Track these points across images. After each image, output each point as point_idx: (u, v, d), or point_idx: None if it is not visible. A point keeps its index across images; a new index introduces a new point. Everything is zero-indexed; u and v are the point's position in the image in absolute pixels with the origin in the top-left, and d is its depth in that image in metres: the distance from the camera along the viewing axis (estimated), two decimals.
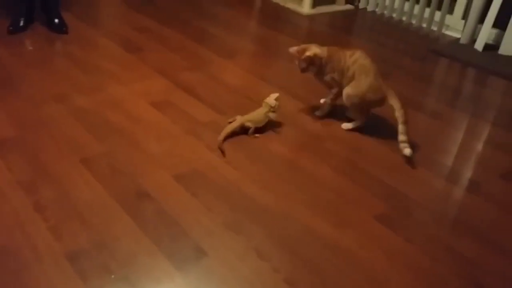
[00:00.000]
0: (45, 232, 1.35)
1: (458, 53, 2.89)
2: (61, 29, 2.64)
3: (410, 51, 2.92)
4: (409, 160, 1.82)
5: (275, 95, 1.96)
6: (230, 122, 1.90)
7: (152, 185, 1.57)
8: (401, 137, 1.84)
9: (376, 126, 2.04)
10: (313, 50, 1.95)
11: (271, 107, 1.93)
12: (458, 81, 2.60)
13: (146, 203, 1.49)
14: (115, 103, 2.02)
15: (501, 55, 2.90)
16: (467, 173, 1.80)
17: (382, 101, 1.92)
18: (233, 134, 1.87)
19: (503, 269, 1.38)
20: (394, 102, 1.89)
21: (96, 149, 1.72)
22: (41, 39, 2.57)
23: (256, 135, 1.91)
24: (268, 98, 1.95)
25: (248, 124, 1.89)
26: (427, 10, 3.31)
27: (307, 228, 1.46)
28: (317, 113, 2.10)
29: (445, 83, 2.57)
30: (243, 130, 1.89)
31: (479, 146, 1.99)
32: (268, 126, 1.94)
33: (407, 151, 1.80)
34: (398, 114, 1.85)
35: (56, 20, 2.65)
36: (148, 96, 2.11)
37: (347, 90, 1.93)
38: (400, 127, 1.84)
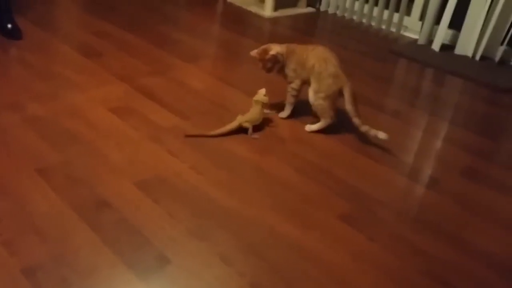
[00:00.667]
0: None
1: (416, 53, 2.96)
2: (15, 34, 2.55)
3: (370, 52, 2.97)
4: (375, 157, 1.85)
5: (263, 90, 1.99)
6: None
7: (112, 193, 1.53)
8: (364, 127, 1.90)
9: (338, 128, 2.05)
10: (275, 48, 1.99)
11: (263, 103, 1.96)
12: (417, 81, 2.66)
13: (106, 212, 1.45)
14: (73, 111, 1.97)
15: (457, 55, 2.99)
16: (427, 171, 1.84)
17: (342, 91, 1.94)
18: (229, 134, 1.90)
19: (467, 265, 1.41)
20: (347, 95, 1.93)
21: (53, 159, 1.66)
22: None
23: (255, 136, 1.92)
24: (257, 96, 1.97)
25: (246, 124, 1.91)
26: (386, 12, 3.38)
27: (271, 231, 1.45)
28: (281, 115, 2.11)
29: (405, 83, 2.62)
30: (241, 130, 1.92)
31: (438, 144, 2.03)
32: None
33: (381, 134, 1.86)
34: (349, 107, 1.91)
35: (9, 26, 2.56)
36: (107, 102, 2.06)
37: (312, 87, 1.97)
38: (356, 120, 1.91)
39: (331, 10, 3.66)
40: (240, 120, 1.92)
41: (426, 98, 2.45)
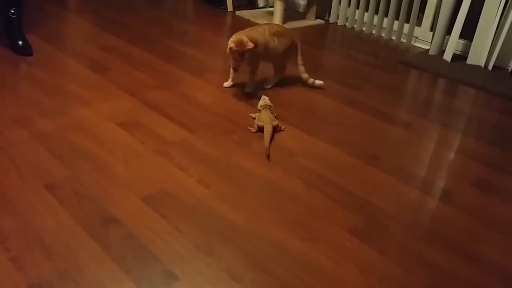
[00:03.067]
0: (6, 263, 1.28)
1: (428, 64, 2.93)
2: (25, 51, 2.58)
3: (381, 64, 2.95)
4: (385, 169, 1.81)
5: (265, 97, 2.14)
6: (258, 110, 2.10)
7: (119, 209, 1.52)
8: (305, 75, 2.45)
9: (345, 140, 2.03)
10: (248, 41, 2.17)
11: (270, 105, 2.09)
12: (428, 92, 2.62)
13: (113, 228, 1.44)
14: (81, 126, 1.97)
15: (469, 65, 2.95)
16: (439, 183, 1.80)
17: (294, 46, 2.39)
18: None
19: (479, 279, 1.37)
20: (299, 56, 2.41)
21: (60, 174, 1.66)
22: (3, 62, 2.50)
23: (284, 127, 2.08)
24: (262, 101, 2.11)
25: (275, 123, 2.02)
26: (396, 23, 3.36)
27: (279, 246, 1.42)
28: (247, 89, 2.38)
29: (416, 94, 2.59)
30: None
31: (450, 155, 1.99)
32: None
33: (318, 82, 2.44)
34: (299, 57, 2.41)
35: (20, 42, 2.59)
36: (115, 116, 2.06)
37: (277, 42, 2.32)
38: (301, 68, 2.43)
39: (340, 22, 3.66)
40: (270, 123, 1.99)
41: (438, 109, 2.42)
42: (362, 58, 3.03)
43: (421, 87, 2.68)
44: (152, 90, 2.34)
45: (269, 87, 2.45)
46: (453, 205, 1.68)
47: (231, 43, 2.17)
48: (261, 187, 1.69)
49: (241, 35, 2.19)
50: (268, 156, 1.86)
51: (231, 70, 2.39)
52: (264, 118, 2.00)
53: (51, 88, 2.26)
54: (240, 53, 2.17)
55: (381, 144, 2.03)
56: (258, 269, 1.33)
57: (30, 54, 2.58)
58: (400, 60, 3.00)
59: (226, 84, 2.43)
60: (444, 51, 3.03)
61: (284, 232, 1.48)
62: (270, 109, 2.07)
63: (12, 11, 2.57)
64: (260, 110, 2.08)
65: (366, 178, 1.78)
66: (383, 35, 3.44)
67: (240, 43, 2.15)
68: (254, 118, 2.08)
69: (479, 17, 2.86)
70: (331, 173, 1.80)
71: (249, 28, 2.33)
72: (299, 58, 2.43)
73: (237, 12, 3.74)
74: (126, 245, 1.38)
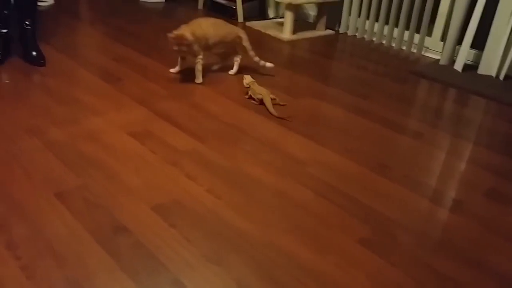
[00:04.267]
0: (16, 271, 1.29)
1: (438, 74, 2.92)
2: (39, 61, 2.62)
3: (391, 73, 2.95)
4: (395, 179, 1.80)
5: (246, 76, 2.47)
6: (247, 88, 2.43)
7: (129, 217, 1.53)
8: (256, 58, 2.69)
9: (355, 150, 2.02)
10: (187, 34, 2.43)
11: (254, 81, 2.44)
12: (439, 102, 2.61)
13: (122, 236, 1.45)
14: (92, 135, 1.99)
15: (480, 75, 2.93)
16: (450, 193, 1.78)
17: (234, 35, 2.66)
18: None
19: None
20: (244, 39, 2.66)
21: (71, 183, 1.67)
22: (18, 72, 2.55)
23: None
24: (246, 80, 2.44)
25: (272, 96, 2.36)
26: (406, 33, 3.36)
27: (289, 256, 1.42)
28: (172, 70, 2.67)
29: (426, 103, 2.58)
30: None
31: (461, 165, 1.98)
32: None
33: (269, 64, 2.69)
34: (246, 44, 2.66)
35: (34, 53, 2.63)
36: (126, 126, 2.08)
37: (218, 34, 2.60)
38: (251, 53, 2.67)
39: (350, 32, 3.67)
40: (267, 94, 2.32)
41: (449, 119, 2.40)
42: (372, 68, 3.03)
43: (432, 97, 2.67)
44: (163, 100, 2.36)
45: (216, 68, 2.79)
46: (464, 215, 1.66)
47: (170, 38, 2.43)
48: (270, 196, 1.69)
49: (182, 31, 2.45)
50: (282, 118, 2.22)
51: (179, 58, 2.66)
52: (260, 91, 2.34)
53: (64, 98, 2.29)
54: (179, 45, 2.44)
55: (391, 153, 2.02)
56: (267, 278, 1.33)
57: (44, 65, 2.62)
58: (411, 70, 2.99)
59: (172, 70, 2.68)
60: (455, 61, 3.02)
61: (293, 241, 1.48)
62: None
63: (27, 23, 2.62)
64: (249, 87, 2.41)
65: (376, 188, 1.78)
66: (393, 45, 3.44)
67: (179, 38, 2.42)
68: (249, 97, 2.41)
69: (490, 27, 2.85)
70: (341, 182, 1.79)
71: (189, 23, 2.56)
72: (247, 44, 2.67)
73: (248, 23, 3.76)
74: (135, 254, 1.38)
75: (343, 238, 1.51)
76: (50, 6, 3.85)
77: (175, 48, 2.45)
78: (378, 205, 1.67)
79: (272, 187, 1.74)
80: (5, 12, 2.56)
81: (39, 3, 3.22)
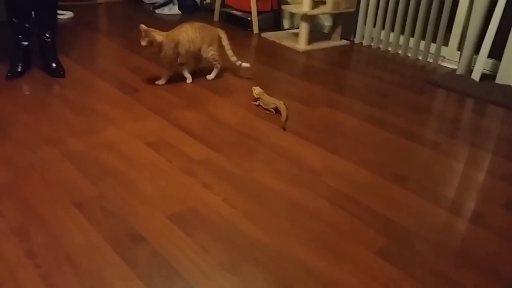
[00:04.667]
0: (36, 280, 1.31)
1: (455, 83, 2.90)
2: (59, 73, 2.67)
3: (407, 83, 2.93)
4: (412, 189, 1.78)
5: (254, 87, 2.50)
6: (257, 99, 2.47)
7: (146, 226, 1.54)
8: (233, 58, 2.74)
9: (370, 159, 2.01)
10: (157, 37, 2.49)
11: (261, 91, 2.47)
12: (456, 112, 2.59)
13: (139, 245, 1.46)
14: (110, 145, 2.01)
15: (498, 84, 2.90)
16: (469, 204, 1.76)
17: (216, 36, 2.71)
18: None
19: None
20: (225, 41, 2.73)
21: (89, 192, 1.69)
22: (38, 84, 2.60)
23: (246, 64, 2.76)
24: (256, 91, 2.47)
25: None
26: (422, 43, 3.35)
27: (305, 266, 1.41)
28: (159, 82, 2.67)
29: (443, 113, 2.55)
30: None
31: (480, 176, 1.95)
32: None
33: (245, 64, 2.75)
34: (225, 43, 2.72)
35: (54, 65, 2.68)
36: (143, 136, 2.10)
37: (202, 49, 2.67)
38: (229, 52, 2.73)
39: (365, 42, 3.66)
40: (282, 102, 2.35)
41: (467, 129, 2.38)
42: (387, 77, 3.02)
43: (449, 107, 2.65)
44: (179, 109, 2.38)
45: (211, 77, 2.80)
46: (483, 226, 1.63)
47: (141, 29, 2.47)
48: (286, 206, 1.68)
49: (154, 32, 2.50)
50: (284, 128, 2.24)
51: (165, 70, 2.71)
52: (273, 100, 2.38)
53: (82, 108, 2.33)
54: (151, 47, 2.49)
55: (407, 163, 2.01)
56: None
57: (63, 76, 2.67)
58: (427, 79, 2.97)
59: (158, 82, 2.69)
60: (472, 70, 2.99)
61: (309, 251, 1.47)
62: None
63: (47, 35, 2.68)
64: (259, 98, 2.44)
65: (393, 198, 1.76)
66: (409, 55, 3.42)
67: (147, 33, 2.47)
68: (258, 105, 2.46)
69: (508, 36, 2.82)
70: (357, 192, 1.78)
71: (174, 29, 2.63)
72: (226, 43, 2.72)
73: (263, 34, 3.79)
74: (151, 263, 1.39)
75: (360, 249, 1.49)
76: (69, 19, 3.93)
77: (143, 43, 2.46)
78: (395, 216, 1.66)
79: (287, 196, 1.74)
80: (26, 25, 2.62)
81: (59, 16, 3.28)
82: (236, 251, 1.46)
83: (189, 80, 2.72)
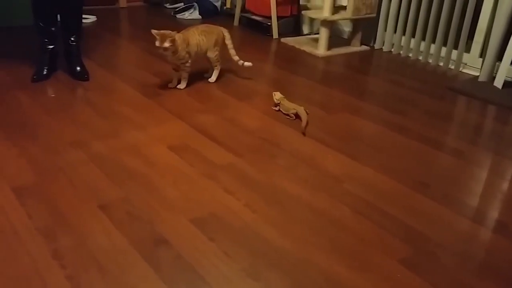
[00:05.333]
0: (63, 281, 1.34)
1: (477, 90, 2.87)
2: (83, 76, 2.72)
3: (428, 90, 2.91)
4: (435, 198, 1.77)
5: (275, 92, 2.51)
6: (277, 105, 2.48)
7: (169, 230, 1.56)
8: (235, 57, 2.79)
9: (392, 166, 2.01)
10: (176, 37, 2.52)
11: (283, 97, 2.48)
12: (479, 119, 2.56)
13: (163, 249, 1.47)
14: (133, 148, 2.04)
15: None
16: (493, 213, 1.74)
17: (221, 36, 2.76)
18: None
19: None
20: (229, 42, 2.78)
21: (114, 195, 1.72)
22: (63, 87, 2.65)
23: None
24: (276, 96, 2.47)
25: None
26: (444, 49, 3.32)
27: (326, 273, 1.41)
28: (170, 85, 2.70)
29: (465, 121, 2.53)
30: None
31: (504, 184, 1.93)
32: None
33: (247, 63, 2.78)
34: (228, 42, 2.76)
35: (78, 68, 2.73)
36: (165, 140, 2.13)
37: (209, 50, 2.72)
38: (232, 51, 2.78)
39: (386, 48, 3.65)
40: (302, 108, 2.36)
41: (489, 136, 2.35)
42: (408, 84, 3.00)
43: (471, 114, 2.62)
44: (201, 114, 2.40)
45: (213, 80, 2.82)
46: (507, 236, 1.62)
47: (154, 34, 2.50)
48: (307, 212, 1.69)
49: (171, 34, 2.50)
50: (304, 134, 2.24)
51: (172, 71, 2.71)
52: (294, 106, 2.39)
53: (106, 112, 2.37)
54: (164, 42, 2.48)
55: (429, 171, 2.00)
56: None
57: (87, 80, 2.72)
58: (448, 86, 2.95)
59: (170, 85, 2.71)
60: (494, 77, 2.96)
61: (331, 259, 1.47)
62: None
63: (72, 39, 2.73)
64: (279, 103, 2.45)
65: (415, 206, 1.75)
66: (430, 61, 3.40)
67: (164, 35, 2.48)
68: (278, 110, 2.47)
69: None
70: (379, 200, 1.78)
71: (182, 31, 2.64)
72: (229, 42, 2.76)
73: (282, 39, 3.80)
74: (175, 267, 1.41)
75: (383, 257, 1.49)
76: (92, 23, 4.00)
77: (166, 44, 2.47)
78: (418, 224, 1.65)
79: (309, 202, 1.74)
80: (52, 29, 2.67)
81: (83, 20, 3.34)
82: (258, 257, 1.46)
83: (182, 86, 2.72)
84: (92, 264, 1.40)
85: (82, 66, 2.75)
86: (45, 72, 2.69)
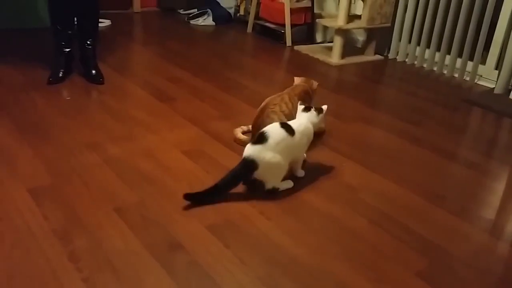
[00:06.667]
0: (79, 283, 1.33)
1: (493, 102, 2.85)
2: (98, 80, 2.73)
3: (442, 101, 2.90)
4: (452, 211, 1.76)
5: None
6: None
7: (184, 235, 1.55)
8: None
9: (408, 178, 1.99)
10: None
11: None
12: (494, 131, 2.54)
13: (178, 254, 1.47)
14: (148, 152, 2.04)
15: None
16: (510, 227, 1.72)
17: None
18: None
19: None
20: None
21: (129, 199, 1.72)
22: (78, 89, 2.66)
23: None
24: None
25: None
26: (459, 60, 3.30)
27: (343, 284, 1.39)
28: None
29: (480, 132, 2.51)
30: None
31: None
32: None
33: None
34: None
35: (93, 72, 2.74)
36: (180, 145, 2.12)
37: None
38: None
39: (400, 58, 3.64)
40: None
41: (505, 149, 2.33)
42: (422, 94, 2.99)
43: (486, 126, 2.60)
44: (215, 120, 2.40)
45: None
46: None
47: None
48: (323, 222, 1.67)
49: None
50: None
51: None
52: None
53: (120, 115, 2.37)
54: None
55: (445, 183, 1.98)
56: None
57: (102, 83, 2.73)
58: (463, 98, 2.93)
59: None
60: (510, 90, 2.94)
61: (348, 269, 1.45)
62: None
63: (88, 42, 2.74)
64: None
65: (432, 218, 1.73)
66: (445, 72, 3.38)
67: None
68: None
69: None
70: (395, 210, 1.76)
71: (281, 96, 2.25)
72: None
73: (296, 47, 3.80)
74: (190, 272, 1.40)
75: (400, 270, 1.47)
76: (107, 27, 4.02)
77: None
78: (436, 237, 1.63)
79: (324, 212, 1.73)
80: (69, 32, 2.69)
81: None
82: (274, 265, 1.45)
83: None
84: (107, 267, 1.39)
85: (97, 70, 2.76)
86: (60, 75, 2.70)
